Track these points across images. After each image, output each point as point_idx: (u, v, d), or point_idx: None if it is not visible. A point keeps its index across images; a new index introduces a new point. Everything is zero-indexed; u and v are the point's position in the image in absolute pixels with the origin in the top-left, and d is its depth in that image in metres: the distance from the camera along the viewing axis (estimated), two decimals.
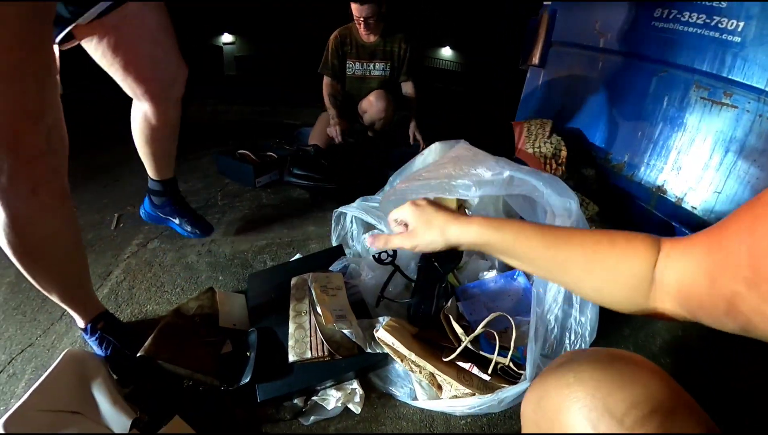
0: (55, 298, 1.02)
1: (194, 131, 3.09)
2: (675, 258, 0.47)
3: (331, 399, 1.04)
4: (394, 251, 1.25)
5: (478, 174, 1.07)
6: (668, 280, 0.47)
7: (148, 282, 1.53)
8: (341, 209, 1.50)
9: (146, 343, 1.09)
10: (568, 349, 1.05)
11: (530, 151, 1.70)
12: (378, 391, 1.10)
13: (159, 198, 1.58)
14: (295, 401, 1.05)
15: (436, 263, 1.21)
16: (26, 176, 0.79)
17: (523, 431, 0.51)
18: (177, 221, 1.61)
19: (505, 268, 1.32)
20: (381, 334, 1.03)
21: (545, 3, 2.35)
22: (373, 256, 1.24)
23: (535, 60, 2.36)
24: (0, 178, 0.76)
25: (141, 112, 1.28)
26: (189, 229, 1.61)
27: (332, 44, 2.52)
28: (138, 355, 1.06)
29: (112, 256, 1.67)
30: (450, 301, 1.16)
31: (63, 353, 0.98)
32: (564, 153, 1.66)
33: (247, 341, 1.14)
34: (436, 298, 1.16)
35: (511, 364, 1.00)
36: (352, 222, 1.53)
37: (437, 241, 0.64)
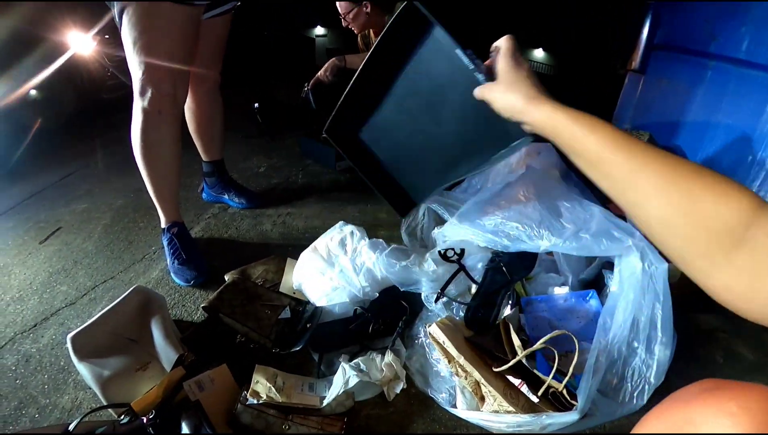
0: (152, 194, 1.44)
1: (282, 114, 3.25)
2: None
3: (374, 368, 1.03)
4: (462, 250, 1.21)
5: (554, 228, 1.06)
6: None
7: (223, 242, 1.64)
8: None
9: (211, 297, 1.16)
10: (629, 389, 0.94)
11: None
12: (418, 389, 1.05)
13: (210, 178, 1.89)
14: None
15: (505, 269, 1.15)
16: (157, 103, 1.28)
17: None
18: (227, 196, 1.89)
19: (578, 287, 1.23)
20: (433, 329, 0.99)
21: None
22: (439, 252, 1.21)
23: (635, 64, 2.14)
24: (144, 102, 1.27)
25: (187, 103, 1.61)
26: (237, 199, 1.88)
27: (359, 45, 2.61)
28: (202, 306, 1.16)
29: (195, 215, 1.83)
30: (513, 310, 1.10)
31: (132, 287, 1.09)
32: None
33: (307, 312, 1.17)
34: (499, 305, 1.10)
35: (565, 391, 0.91)
36: (424, 214, 1.50)
37: (509, 108, 0.63)
